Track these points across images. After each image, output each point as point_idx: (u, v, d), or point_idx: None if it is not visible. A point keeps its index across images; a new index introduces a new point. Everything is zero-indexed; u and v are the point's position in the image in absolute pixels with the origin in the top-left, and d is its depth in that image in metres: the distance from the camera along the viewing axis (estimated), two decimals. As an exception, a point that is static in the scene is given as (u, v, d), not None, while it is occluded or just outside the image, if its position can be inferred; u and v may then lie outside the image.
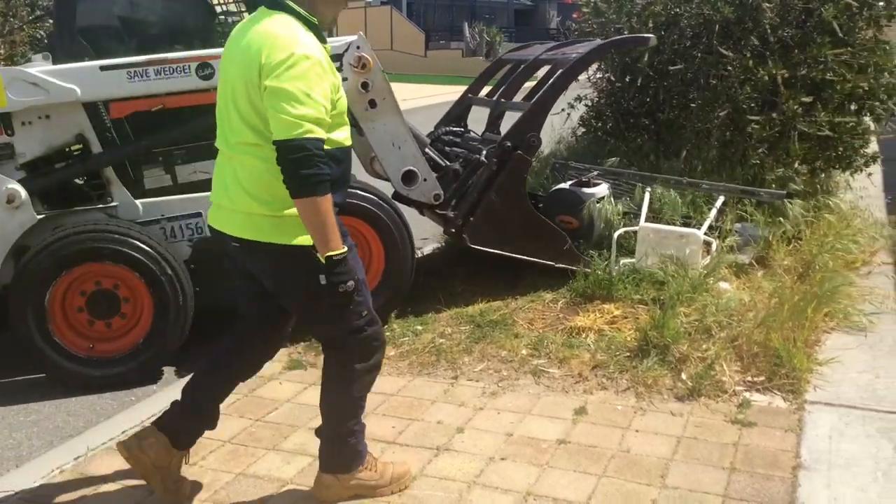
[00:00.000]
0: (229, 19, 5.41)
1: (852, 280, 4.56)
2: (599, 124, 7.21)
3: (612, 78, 6.98)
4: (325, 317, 2.70)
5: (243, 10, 5.08)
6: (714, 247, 4.68)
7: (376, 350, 2.80)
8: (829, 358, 3.77)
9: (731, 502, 2.79)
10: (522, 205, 4.70)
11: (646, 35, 5.11)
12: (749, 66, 5.61)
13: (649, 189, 5.10)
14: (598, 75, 7.20)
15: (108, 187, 4.31)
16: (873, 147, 6.40)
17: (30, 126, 4.14)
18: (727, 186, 5.15)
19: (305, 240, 2.54)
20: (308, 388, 3.87)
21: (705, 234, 4.68)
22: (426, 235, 6.05)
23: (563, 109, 6.55)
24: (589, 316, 4.32)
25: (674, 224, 4.88)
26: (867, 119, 6.07)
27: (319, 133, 2.44)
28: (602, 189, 5.21)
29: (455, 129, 5.46)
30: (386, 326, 4.44)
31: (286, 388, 3.88)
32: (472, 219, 4.57)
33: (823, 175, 6.07)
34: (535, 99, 4.81)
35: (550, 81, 4.87)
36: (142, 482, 3.06)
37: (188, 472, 3.14)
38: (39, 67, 4.18)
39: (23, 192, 4.06)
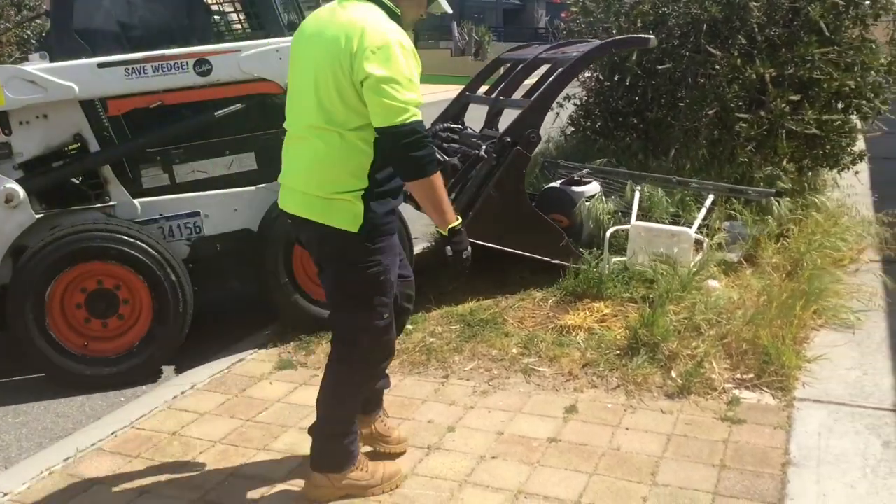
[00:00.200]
0: (226, 17, 5.42)
1: (840, 278, 4.58)
2: (588, 123, 7.23)
3: (601, 77, 6.99)
4: (348, 306, 2.73)
5: (239, 8, 5.12)
6: (704, 245, 4.69)
7: (385, 355, 2.84)
8: (818, 355, 3.79)
9: (722, 499, 2.80)
10: (521, 200, 4.70)
11: (646, 36, 5.13)
12: (737, 65, 5.63)
13: (639, 187, 5.11)
14: (586, 74, 7.21)
15: (105, 186, 4.30)
16: (860, 145, 6.44)
17: (27, 125, 4.13)
18: (716, 185, 5.17)
19: (350, 225, 2.60)
20: (298, 387, 3.86)
21: (695, 231, 4.69)
22: (416, 235, 6.04)
23: (552, 108, 6.55)
24: (579, 314, 4.33)
25: (664, 222, 4.89)
26: (854, 117, 6.10)
27: (421, 116, 2.51)
28: (593, 187, 5.22)
29: (452, 125, 5.46)
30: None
31: (276, 389, 3.87)
32: (470, 213, 4.56)
33: (811, 173, 6.10)
34: (535, 96, 4.82)
35: (551, 79, 4.88)
36: (131, 484, 3.06)
37: (180, 473, 3.13)
38: (37, 65, 4.17)
39: (21, 192, 4.05)
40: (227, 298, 4.77)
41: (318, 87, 2.58)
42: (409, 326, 4.42)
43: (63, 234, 4.01)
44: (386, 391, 3.72)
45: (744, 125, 5.61)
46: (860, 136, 6.36)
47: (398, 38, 2.51)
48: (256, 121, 4.47)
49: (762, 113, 5.65)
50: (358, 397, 2.87)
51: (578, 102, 7.35)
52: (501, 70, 6.08)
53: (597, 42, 5.32)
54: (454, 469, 3.07)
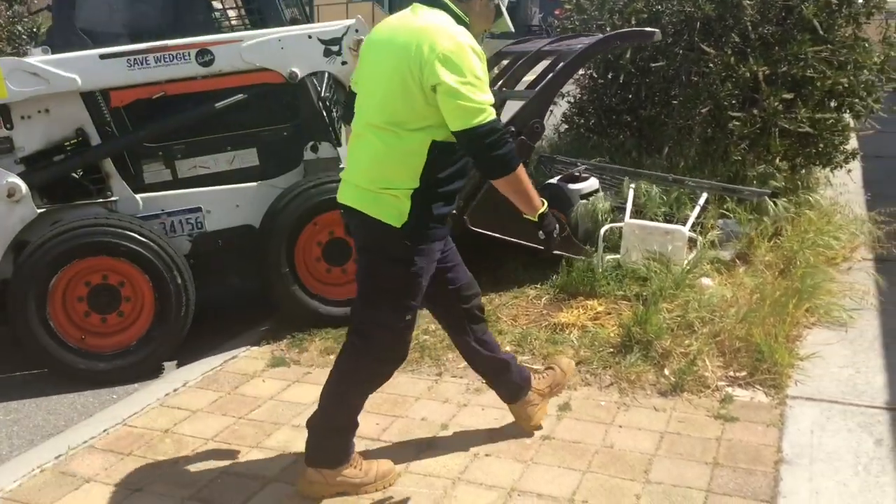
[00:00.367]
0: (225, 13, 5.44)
1: (833, 276, 4.59)
2: (582, 121, 7.21)
3: (595, 74, 6.98)
4: (375, 299, 2.77)
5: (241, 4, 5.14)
6: (698, 243, 4.69)
7: (397, 357, 2.86)
8: (811, 353, 3.80)
9: (715, 497, 2.80)
10: None
11: (651, 30, 5.11)
12: (730, 63, 5.63)
13: (633, 185, 5.11)
14: (580, 71, 7.20)
15: (107, 182, 4.29)
16: (853, 144, 6.45)
17: (29, 120, 4.12)
18: (712, 184, 5.17)
19: (394, 220, 2.65)
20: (291, 385, 3.85)
21: (689, 230, 4.70)
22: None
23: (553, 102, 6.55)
24: (572, 312, 4.32)
25: (657, 220, 4.89)
26: (847, 116, 6.11)
27: (495, 115, 2.57)
28: (591, 184, 5.20)
29: None
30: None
31: (269, 386, 3.86)
32: (473, 202, 4.54)
33: (804, 171, 6.11)
34: (539, 86, 4.81)
35: (556, 70, 4.87)
36: (124, 481, 3.05)
37: (173, 470, 3.12)
38: (39, 58, 4.17)
39: (23, 186, 4.03)
40: (219, 295, 4.76)
41: (383, 88, 2.65)
42: (402, 324, 4.42)
43: (66, 229, 4.00)
44: (379, 388, 3.73)
45: (737, 123, 5.62)
46: (853, 135, 6.37)
47: (468, 42, 2.57)
48: (257, 115, 4.47)
49: (755, 111, 5.65)
50: (362, 395, 2.89)
51: (572, 100, 7.34)
52: (504, 63, 6.06)
53: (601, 35, 5.31)
54: (448, 466, 3.07)
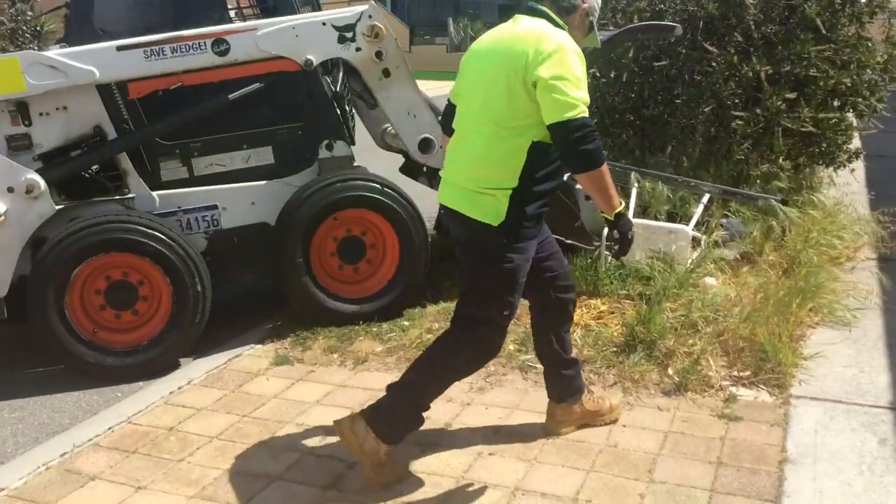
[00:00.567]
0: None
1: (836, 275, 4.59)
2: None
3: (598, 73, 6.98)
4: (476, 298, 2.89)
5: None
6: (702, 242, 4.69)
7: (493, 349, 2.94)
8: (814, 352, 3.80)
9: (719, 496, 2.80)
10: None
11: (672, 24, 5.11)
12: (733, 63, 5.63)
13: (636, 184, 5.10)
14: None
15: (125, 179, 4.31)
16: (856, 143, 6.44)
17: (47, 117, 4.14)
18: (725, 189, 5.14)
19: (491, 219, 2.75)
20: (295, 383, 3.86)
21: (693, 229, 4.70)
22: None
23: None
24: (576, 311, 4.31)
25: (661, 219, 4.89)
26: (850, 115, 6.09)
27: (588, 114, 2.66)
28: None
29: None
30: (375, 322, 4.44)
31: (273, 384, 3.86)
32: None
33: (807, 171, 6.10)
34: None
35: None
36: (128, 479, 3.05)
37: (177, 468, 3.13)
38: (57, 51, 4.19)
39: (42, 183, 4.05)
40: (223, 294, 4.75)
41: (487, 88, 2.78)
42: (405, 323, 4.44)
43: (94, 223, 4.02)
44: (382, 387, 3.74)
45: (740, 122, 5.61)
46: (856, 134, 6.37)
47: (570, 44, 2.70)
48: (273, 113, 4.51)
49: (758, 110, 5.64)
50: (450, 381, 2.99)
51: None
52: None
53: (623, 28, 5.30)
54: (452, 465, 3.07)
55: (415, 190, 4.80)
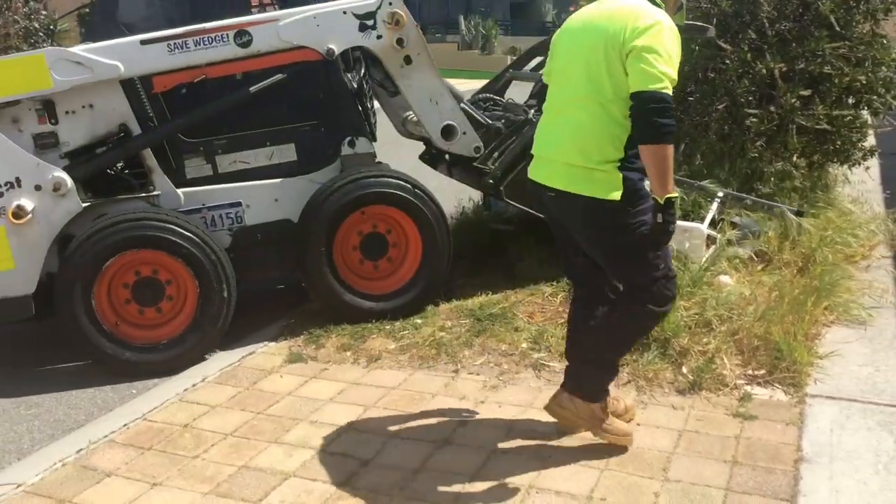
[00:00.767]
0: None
1: (851, 274, 4.57)
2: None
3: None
4: (626, 268, 2.94)
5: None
6: (718, 240, 4.68)
7: (671, 297, 2.98)
8: (830, 351, 3.78)
9: (734, 496, 2.79)
10: None
11: (706, 25, 5.10)
12: (747, 60, 5.61)
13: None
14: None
15: (150, 176, 4.34)
16: (871, 141, 6.41)
17: (73, 115, 4.18)
18: (743, 196, 5.11)
19: (613, 195, 2.79)
20: (308, 381, 3.87)
21: (707, 228, 4.68)
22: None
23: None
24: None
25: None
26: (865, 113, 6.06)
27: (671, 91, 2.69)
28: None
29: (495, 97, 5.47)
30: (388, 320, 4.45)
31: (287, 382, 3.88)
32: (511, 174, 4.54)
33: (822, 169, 6.07)
34: (540, 83, 4.80)
35: None
36: (144, 475, 3.07)
37: (192, 465, 3.15)
38: (82, 46, 4.23)
39: (69, 181, 4.09)
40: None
41: (588, 64, 2.82)
42: (418, 321, 4.45)
43: (123, 220, 4.06)
44: (396, 385, 3.75)
45: (754, 120, 5.59)
46: (871, 132, 6.33)
47: (667, 21, 2.75)
48: (296, 110, 4.54)
49: (772, 108, 5.62)
50: (634, 336, 3.11)
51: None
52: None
53: None
54: (465, 463, 3.07)
55: (429, 185, 4.79)
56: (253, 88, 4.37)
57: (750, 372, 3.63)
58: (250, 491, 2.96)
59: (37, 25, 13.72)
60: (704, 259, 4.51)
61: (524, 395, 3.62)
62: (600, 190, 2.80)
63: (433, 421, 3.42)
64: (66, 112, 4.17)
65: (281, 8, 5.24)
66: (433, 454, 3.15)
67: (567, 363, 3.24)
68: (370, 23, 4.41)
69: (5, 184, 4.03)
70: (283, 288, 4.83)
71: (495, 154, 4.65)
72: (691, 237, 4.59)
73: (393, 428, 3.37)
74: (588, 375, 3.08)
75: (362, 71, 4.91)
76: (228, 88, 4.41)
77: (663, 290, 2.93)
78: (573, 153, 2.84)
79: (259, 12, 5.47)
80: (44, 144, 4.16)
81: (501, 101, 5.44)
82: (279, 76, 4.39)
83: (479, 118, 4.76)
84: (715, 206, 4.88)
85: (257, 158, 4.51)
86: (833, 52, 5.60)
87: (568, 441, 3.20)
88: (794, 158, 5.72)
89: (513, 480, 2.94)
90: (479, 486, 2.92)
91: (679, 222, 4.72)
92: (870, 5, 5.81)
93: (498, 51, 29.09)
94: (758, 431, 3.20)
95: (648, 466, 3.00)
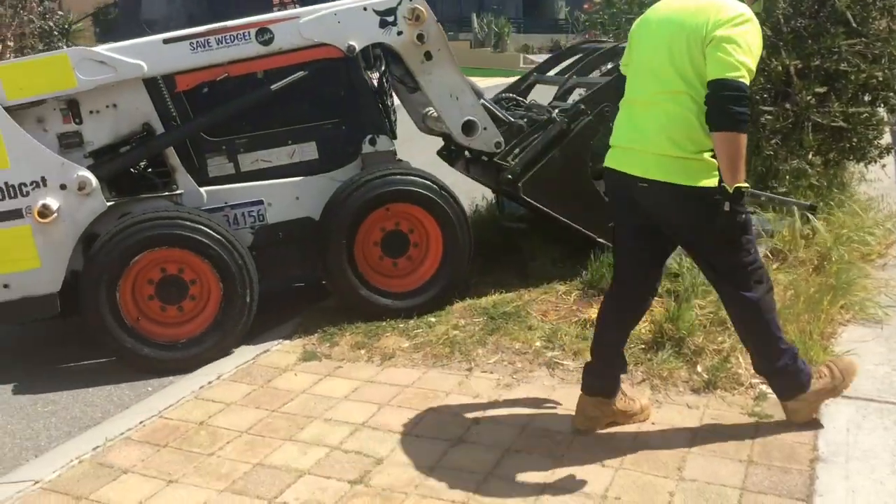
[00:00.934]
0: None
1: (868, 272, 4.54)
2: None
3: (610, 65, 6.94)
4: (723, 251, 2.96)
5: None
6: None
7: (764, 275, 3.04)
8: (846, 350, 3.74)
9: (749, 495, 2.78)
10: (582, 170, 4.68)
11: None
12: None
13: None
14: (609, 65, 7.16)
15: (173, 175, 4.37)
16: (887, 138, 6.36)
17: (97, 115, 4.22)
18: (754, 192, 5.07)
19: (708, 182, 2.84)
20: (323, 378, 3.88)
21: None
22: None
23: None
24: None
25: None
26: (881, 110, 6.02)
27: (748, 81, 2.73)
28: None
29: (517, 97, 5.48)
30: (402, 318, 4.46)
31: (301, 380, 3.89)
32: (531, 171, 4.55)
33: (837, 166, 6.03)
34: (616, 73, 4.80)
35: None
36: (160, 472, 3.09)
37: (208, 462, 3.17)
38: (105, 46, 4.26)
39: (93, 180, 4.13)
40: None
41: (672, 56, 2.86)
42: (432, 319, 4.46)
43: (150, 218, 4.10)
44: (410, 383, 3.76)
45: (769, 117, 5.56)
46: (887, 129, 6.28)
47: (750, 14, 2.80)
48: (317, 109, 4.56)
49: (788, 105, 5.59)
50: (769, 316, 3.05)
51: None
52: (577, 56, 6.01)
53: None
54: (479, 462, 3.07)
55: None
56: (274, 86, 4.39)
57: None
58: (265, 488, 2.97)
59: (52, 25, 13.82)
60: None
61: (538, 393, 3.61)
62: (695, 178, 2.85)
63: (447, 419, 3.42)
64: (91, 112, 4.21)
65: (302, 5, 5.26)
66: (447, 452, 3.15)
67: (591, 360, 3.28)
68: (391, 19, 4.43)
69: (31, 183, 4.07)
70: (298, 286, 4.85)
71: (516, 150, 4.65)
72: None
73: (407, 426, 3.37)
74: (786, 379, 3.12)
75: (382, 68, 4.92)
76: (250, 87, 4.44)
77: (759, 269, 3.00)
78: (666, 144, 2.88)
79: (280, 10, 5.50)
80: (68, 144, 4.21)
81: (524, 101, 5.45)
82: (301, 73, 4.42)
83: (499, 115, 4.77)
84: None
85: (279, 157, 4.54)
86: (849, 48, 5.55)
87: (582, 440, 3.20)
88: (810, 156, 5.68)
89: (527, 479, 2.94)
90: (493, 485, 2.92)
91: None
92: (886, 1, 5.77)
93: (510, 48, 29.06)
94: (773, 431, 3.18)
95: (663, 465, 2.99)
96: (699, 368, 3.65)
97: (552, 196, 4.60)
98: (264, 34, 4.30)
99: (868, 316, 4.13)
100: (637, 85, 3.06)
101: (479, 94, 4.74)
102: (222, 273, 4.18)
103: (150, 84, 4.26)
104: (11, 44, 12.95)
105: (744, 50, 2.72)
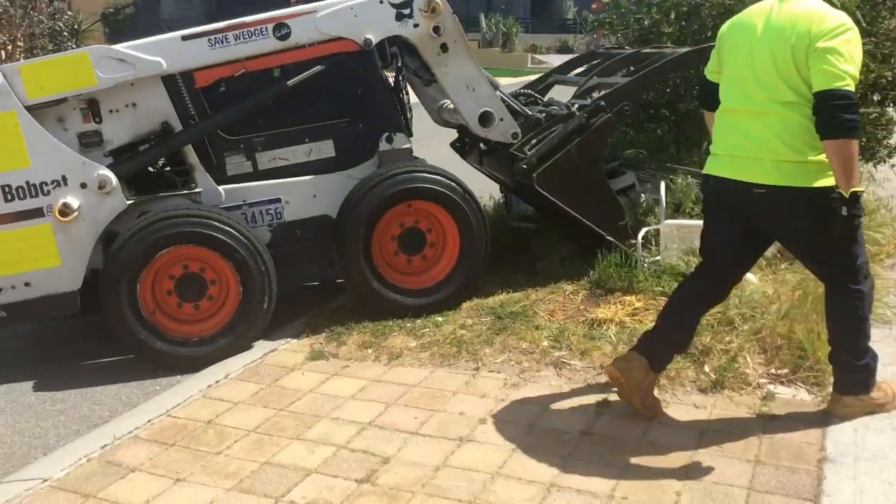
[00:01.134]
0: None
1: (877, 273, 4.50)
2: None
3: (632, 67, 6.92)
4: (838, 249, 3.03)
5: None
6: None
7: (869, 272, 3.16)
8: (854, 350, 3.73)
9: (757, 495, 2.78)
10: (597, 167, 4.69)
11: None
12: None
13: (664, 182, 5.06)
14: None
15: (192, 174, 4.40)
16: (896, 138, 6.34)
17: (117, 114, 4.25)
18: None
19: (824, 182, 2.92)
20: (330, 378, 3.89)
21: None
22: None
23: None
24: (610, 308, 4.31)
25: (693, 217, 4.84)
26: (890, 110, 6.00)
27: (853, 89, 2.83)
28: (628, 178, 5.18)
29: (534, 94, 5.49)
30: (409, 318, 4.46)
31: (309, 379, 3.90)
32: (547, 163, 4.55)
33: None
34: (639, 73, 4.81)
35: (659, 63, 4.87)
36: (167, 471, 3.10)
37: (215, 461, 3.17)
38: (125, 44, 4.29)
39: (113, 178, 4.16)
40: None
41: (777, 66, 2.94)
42: (439, 318, 4.46)
43: (183, 214, 4.14)
44: (417, 383, 3.76)
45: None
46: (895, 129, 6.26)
47: (850, 24, 2.89)
48: (333, 106, 4.58)
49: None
50: (866, 316, 3.16)
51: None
52: (596, 61, 6.01)
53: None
54: (486, 461, 3.07)
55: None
56: (290, 82, 4.41)
57: (773, 371, 3.60)
58: (272, 487, 2.98)
59: (61, 25, 13.87)
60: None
61: (545, 393, 3.61)
62: (812, 179, 2.93)
63: (454, 418, 3.42)
64: (110, 111, 4.24)
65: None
66: (454, 452, 3.15)
67: (653, 329, 3.39)
68: (407, 11, 4.44)
69: (52, 182, 4.09)
70: (306, 286, 4.86)
71: (533, 141, 4.64)
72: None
73: (414, 425, 3.38)
74: (855, 375, 3.18)
75: (399, 64, 4.93)
76: (267, 84, 4.46)
77: (863, 270, 3.10)
78: (785, 151, 2.94)
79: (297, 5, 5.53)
80: (88, 143, 4.24)
81: (541, 98, 5.45)
82: (318, 68, 4.43)
83: (516, 107, 4.77)
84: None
85: (296, 155, 4.56)
86: (858, 48, 5.53)
87: (589, 439, 3.19)
88: (819, 155, 5.65)
89: (534, 478, 2.94)
90: (500, 484, 2.92)
91: (698, 221, 4.70)
92: (895, 1, 5.75)
93: (518, 48, 29.03)
94: (781, 431, 3.17)
95: (670, 465, 2.98)
96: (707, 368, 3.65)
97: (565, 190, 4.59)
98: (282, 29, 4.32)
99: (877, 316, 4.09)
100: (738, 94, 3.10)
101: (494, 86, 4.75)
102: (243, 277, 4.21)
103: (169, 82, 4.29)
104: (21, 44, 13.01)
105: (846, 59, 2.81)
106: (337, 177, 4.55)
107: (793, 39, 2.89)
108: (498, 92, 4.75)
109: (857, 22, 5.45)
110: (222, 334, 4.25)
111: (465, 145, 5.39)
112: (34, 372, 4.32)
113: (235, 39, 4.29)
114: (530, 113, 4.80)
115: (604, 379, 3.68)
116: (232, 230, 4.18)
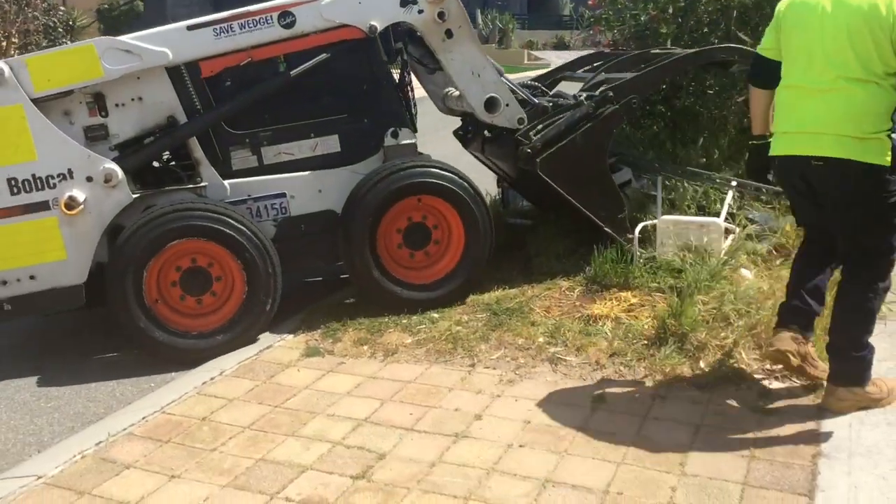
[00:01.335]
0: None
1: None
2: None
3: (643, 66, 6.93)
4: (874, 231, 3.11)
5: None
6: (736, 233, 4.64)
7: (890, 273, 3.19)
8: (849, 346, 3.74)
9: (752, 490, 2.78)
10: (601, 158, 4.70)
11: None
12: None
13: (660, 177, 5.06)
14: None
15: (197, 168, 4.40)
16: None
17: (123, 108, 4.25)
18: (760, 185, 5.08)
19: (883, 160, 2.99)
20: (325, 374, 3.88)
21: (724, 221, 4.65)
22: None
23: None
24: (606, 304, 4.31)
25: (689, 213, 4.85)
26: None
27: None
28: (624, 174, 5.18)
29: (541, 86, 5.48)
30: (405, 314, 4.46)
31: (304, 375, 3.89)
32: (551, 149, 4.55)
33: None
34: (648, 68, 4.82)
35: (668, 59, 4.88)
36: (162, 468, 3.10)
37: (210, 457, 3.17)
38: (130, 35, 4.29)
39: (119, 172, 4.16)
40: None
41: (853, 43, 2.98)
42: (435, 315, 4.46)
43: (199, 207, 4.15)
44: (412, 379, 3.76)
45: (773, 113, 5.54)
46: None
47: None
48: (339, 100, 4.58)
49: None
50: (874, 311, 3.20)
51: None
52: (598, 62, 6.02)
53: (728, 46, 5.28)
54: (482, 457, 3.07)
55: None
56: (294, 71, 4.41)
57: (768, 367, 3.61)
58: (267, 483, 2.97)
59: (56, 21, 13.84)
60: (723, 252, 4.49)
61: (541, 389, 3.61)
62: (872, 156, 2.98)
63: (449, 415, 3.42)
64: (116, 105, 4.24)
65: None
66: (449, 448, 3.15)
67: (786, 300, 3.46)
68: None
69: (58, 175, 4.09)
70: (302, 282, 4.85)
71: (539, 127, 4.64)
72: (709, 232, 4.56)
73: (409, 421, 3.37)
74: (852, 367, 3.19)
75: (403, 57, 4.93)
76: (271, 75, 4.45)
77: (890, 265, 3.15)
78: (847, 126, 3.00)
79: None
80: (94, 136, 4.24)
81: (548, 91, 5.45)
82: (323, 56, 4.42)
83: (522, 94, 4.78)
84: (729, 197, 4.84)
85: (301, 150, 4.56)
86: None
87: (584, 435, 3.19)
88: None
89: (529, 474, 2.94)
90: (496, 480, 2.92)
91: (694, 217, 4.73)
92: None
93: (515, 45, 29.03)
94: (776, 426, 3.17)
95: (665, 460, 2.98)
96: (702, 364, 3.65)
97: (567, 178, 4.59)
98: (286, 17, 4.33)
99: (872, 312, 4.10)
100: (803, 71, 3.13)
101: (499, 71, 4.75)
102: (251, 276, 4.21)
103: (174, 74, 4.29)
104: (16, 40, 12.98)
105: None
106: (342, 172, 4.55)
107: (869, 16, 2.93)
108: (504, 78, 4.75)
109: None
110: (222, 330, 4.25)
111: (469, 133, 5.39)
112: (28, 369, 4.31)
113: (240, 28, 4.30)
114: (536, 101, 4.80)
115: (599, 375, 3.68)
116: (245, 229, 4.18)
